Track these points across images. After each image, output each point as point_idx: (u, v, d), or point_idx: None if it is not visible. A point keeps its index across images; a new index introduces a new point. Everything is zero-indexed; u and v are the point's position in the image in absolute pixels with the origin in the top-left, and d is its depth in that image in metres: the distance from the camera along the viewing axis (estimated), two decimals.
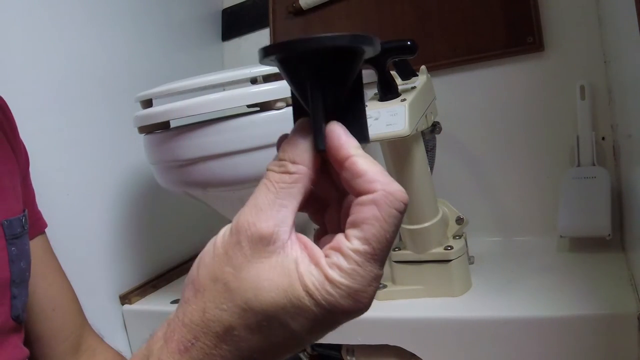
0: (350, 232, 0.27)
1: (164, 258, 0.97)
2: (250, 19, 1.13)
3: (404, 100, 0.61)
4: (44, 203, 0.65)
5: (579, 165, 0.80)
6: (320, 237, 0.33)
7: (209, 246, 0.29)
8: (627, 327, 0.55)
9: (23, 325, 0.55)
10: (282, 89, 0.65)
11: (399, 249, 0.70)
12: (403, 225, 0.69)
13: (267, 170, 0.29)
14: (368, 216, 0.27)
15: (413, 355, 0.66)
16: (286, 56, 0.28)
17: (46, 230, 0.63)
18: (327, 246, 0.28)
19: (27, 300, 0.54)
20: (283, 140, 0.30)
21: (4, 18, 0.72)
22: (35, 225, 0.61)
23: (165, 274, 0.95)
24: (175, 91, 0.69)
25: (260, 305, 0.26)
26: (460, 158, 0.91)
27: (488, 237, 0.87)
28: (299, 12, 1.04)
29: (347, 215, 0.28)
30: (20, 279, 0.53)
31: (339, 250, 0.27)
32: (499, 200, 0.89)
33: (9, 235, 0.52)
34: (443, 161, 0.80)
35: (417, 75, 0.68)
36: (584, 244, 0.77)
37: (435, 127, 0.73)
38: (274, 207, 0.27)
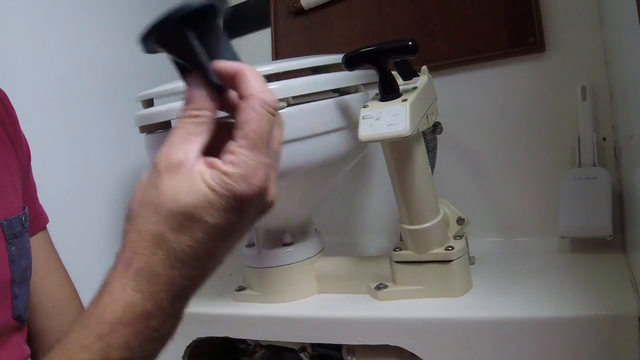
0: (235, 133, 0.34)
1: None
2: (252, 18, 1.13)
3: (405, 100, 0.61)
4: (44, 202, 0.65)
5: (579, 165, 0.79)
6: None
7: (137, 184, 0.35)
8: (627, 328, 0.55)
9: (25, 324, 0.55)
10: (283, 88, 0.65)
11: (400, 249, 0.70)
12: (404, 225, 0.69)
13: (178, 116, 0.36)
14: (245, 118, 0.34)
15: (413, 355, 0.66)
16: (162, 33, 0.35)
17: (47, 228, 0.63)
18: (221, 153, 0.34)
19: (28, 299, 0.54)
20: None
21: (6, 17, 0.72)
22: (37, 221, 0.61)
23: None
24: (177, 91, 0.69)
25: (177, 207, 0.32)
26: (461, 158, 0.91)
27: (489, 237, 0.87)
28: (300, 12, 1.04)
29: None
30: (21, 278, 0.52)
31: (228, 151, 0.33)
32: (499, 200, 0.89)
33: (8, 235, 0.51)
34: (444, 161, 0.80)
35: (418, 76, 0.68)
36: (584, 245, 0.77)
37: (436, 128, 0.73)
38: (184, 140, 0.34)
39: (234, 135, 0.34)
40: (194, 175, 0.33)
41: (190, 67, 0.36)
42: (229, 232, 0.34)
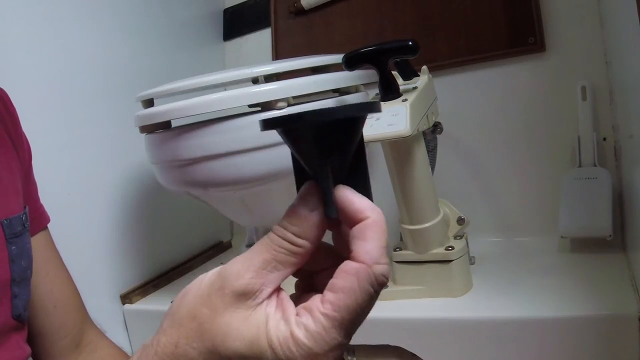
0: (326, 295, 0.28)
1: (165, 257, 0.97)
2: (252, 18, 1.13)
3: (405, 100, 0.61)
4: (45, 202, 0.65)
5: (580, 165, 0.79)
6: (304, 291, 0.34)
7: (196, 282, 0.30)
8: (627, 328, 0.55)
9: (25, 324, 0.55)
10: (283, 88, 0.65)
11: (400, 249, 0.70)
12: (404, 225, 0.69)
13: (274, 231, 0.30)
14: (346, 285, 0.28)
15: (414, 355, 0.66)
16: (290, 129, 0.29)
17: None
18: (302, 305, 0.29)
19: (29, 298, 0.54)
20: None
21: (6, 17, 0.72)
22: (38, 220, 0.60)
23: (166, 273, 0.95)
24: (177, 91, 0.69)
25: (225, 350, 0.28)
26: (462, 158, 0.91)
27: (489, 237, 0.87)
28: (301, 12, 1.04)
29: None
30: (21, 277, 0.52)
31: (310, 311, 0.28)
32: (500, 200, 0.89)
33: (9, 235, 0.51)
34: (444, 161, 0.80)
35: (419, 76, 0.68)
36: (584, 245, 0.77)
37: (436, 128, 0.73)
38: (267, 268, 0.29)
39: (324, 293, 0.28)
40: (258, 317, 0.28)
41: (311, 176, 0.30)
42: None
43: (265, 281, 0.29)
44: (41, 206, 0.63)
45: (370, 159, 1.05)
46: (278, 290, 0.30)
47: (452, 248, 0.68)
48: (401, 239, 0.72)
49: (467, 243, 0.72)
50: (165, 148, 0.69)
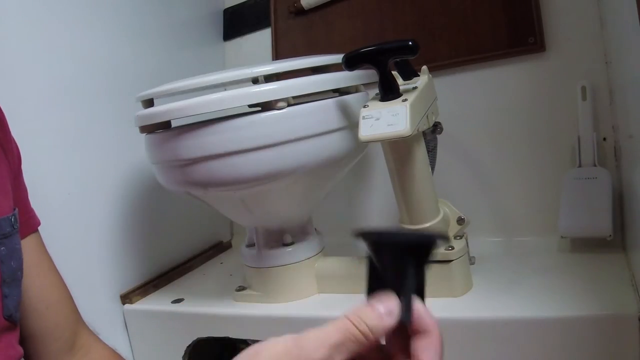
0: None
1: (165, 258, 0.97)
2: (252, 18, 1.13)
3: (405, 100, 0.61)
4: (45, 203, 0.65)
5: (580, 165, 0.79)
6: None
7: (268, 344, 0.32)
8: (627, 328, 0.55)
9: (17, 325, 0.55)
10: (283, 88, 0.65)
11: None
12: (404, 226, 0.69)
13: (349, 318, 0.33)
14: None
15: None
16: (382, 248, 0.35)
17: (47, 229, 0.63)
18: None
19: (20, 299, 0.54)
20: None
21: (6, 16, 0.72)
22: (28, 223, 0.61)
23: (166, 273, 0.95)
24: (177, 91, 0.69)
25: None
26: (462, 158, 0.91)
27: (489, 237, 0.87)
28: (301, 11, 1.04)
29: None
30: (11, 278, 0.52)
31: None
32: (500, 200, 0.89)
33: None
34: (444, 161, 0.80)
35: (419, 76, 0.68)
36: (585, 245, 0.77)
37: (436, 128, 0.73)
38: (337, 349, 0.31)
39: None
40: None
41: (388, 284, 0.35)
42: None
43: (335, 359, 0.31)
44: (31, 210, 0.63)
45: (370, 159, 1.06)
46: None
47: (452, 248, 0.68)
48: None
49: (467, 243, 0.72)
50: (165, 148, 0.69)
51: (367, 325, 0.33)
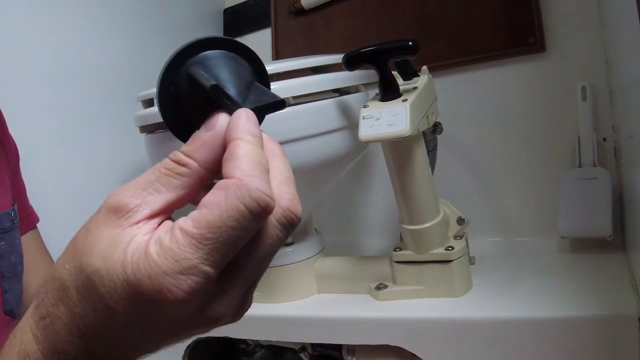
0: (193, 212, 0.25)
1: None
2: (252, 18, 1.13)
3: (405, 100, 0.61)
4: (44, 202, 0.65)
5: (580, 166, 0.79)
6: None
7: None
8: (627, 328, 0.55)
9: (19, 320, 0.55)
10: (283, 88, 0.65)
11: (400, 249, 0.70)
12: (404, 225, 0.69)
13: (172, 155, 0.28)
14: (211, 200, 0.24)
15: (413, 355, 0.66)
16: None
17: (46, 229, 0.63)
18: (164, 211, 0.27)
19: (21, 294, 0.54)
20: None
21: (4, 17, 0.72)
22: (27, 220, 0.61)
23: None
24: None
25: (87, 268, 0.25)
26: (462, 158, 0.91)
27: (489, 237, 0.87)
28: (301, 11, 1.04)
29: None
30: (11, 273, 0.52)
31: (171, 227, 0.25)
32: (499, 200, 0.89)
33: None
34: (444, 162, 0.80)
35: (419, 76, 0.68)
36: (584, 245, 0.77)
37: (436, 128, 0.73)
38: (147, 189, 0.26)
39: (191, 213, 0.25)
40: (123, 236, 0.25)
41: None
42: (134, 337, 0.26)
43: (142, 202, 0.26)
44: (30, 207, 0.63)
45: (370, 159, 1.06)
46: (163, 218, 0.27)
47: (452, 248, 0.68)
48: (401, 239, 0.72)
49: (467, 243, 0.72)
50: (165, 148, 0.69)
51: (181, 152, 0.27)
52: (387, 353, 0.69)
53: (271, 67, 0.67)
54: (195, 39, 0.31)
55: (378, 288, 0.71)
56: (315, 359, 0.80)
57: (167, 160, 0.27)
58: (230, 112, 0.28)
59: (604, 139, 0.81)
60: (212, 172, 0.27)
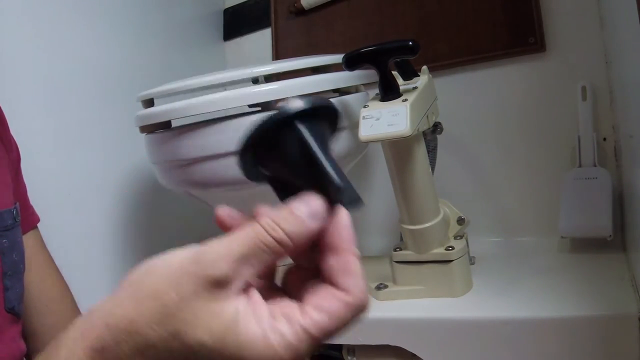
0: (309, 310, 0.28)
1: None
2: (252, 18, 1.13)
3: (405, 100, 0.61)
4: (45, 203, 0.65)
5: (580, 165, 0.79)
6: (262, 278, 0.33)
7: (164, 260, 0.29)
8: (628, 328, 0.55)
9: (20, 318, 0.55)
10: (283, 88, 0.65)
11: (400, 249, 0.70)
12: (404, 225, 0.69)
13: (262, 224, 0.28)
14: (333, 312, 0.28)
15: (414, 355, 0.66)
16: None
17: (47, 229, 0.63)
18: (279, 310, 0.28)
19: (22, 292, 0.54)
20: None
21: (3, 17, 0.72)
22: (28, 220, 0.61)
23: None
24: (177, 91, 0.69)
25: (189, 340, 0.26)
26: (462, 158, 0.91)
27: (489, 237, 0.87)
28: (301, 12, 1.04)
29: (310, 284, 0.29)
30: (12, 270, 0.52)
31: (289, 320, 0.27)
32: (500, 200, 0.89)
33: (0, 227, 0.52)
34: (444, 162, 0.80)
35: (419, 76, 0.68)
36: (585, 245, 0.77)
37: (436, 128, 0.73)
38: (243, 263, 0.27)
39: (307, 308, 0.28)
40: (228, 311, 0.27)
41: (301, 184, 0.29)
42: None
43: (238, 275, 0.27)
44: (31, 206, 0.63)
45: (370, 159, 1.06)
46: (248, 284, 0.29)
47: (452, 248, 0.68)
48: (401, 239, 0.72)
49: (467, 243, 0.72)
50: (165, 148, 0.69)
51: (283, 231, 0.28)
52: (387, 353, 0.69)
53: (271, 67, 0.68)
54: (310, 100, 0.30)
55: (378, 288, 0.71)
56: (315, 359, 0.80)
57: (264, 234, 0.28)
58: (326, 186, 0.29)
59: (604, 139, 0.81)
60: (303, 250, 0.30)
